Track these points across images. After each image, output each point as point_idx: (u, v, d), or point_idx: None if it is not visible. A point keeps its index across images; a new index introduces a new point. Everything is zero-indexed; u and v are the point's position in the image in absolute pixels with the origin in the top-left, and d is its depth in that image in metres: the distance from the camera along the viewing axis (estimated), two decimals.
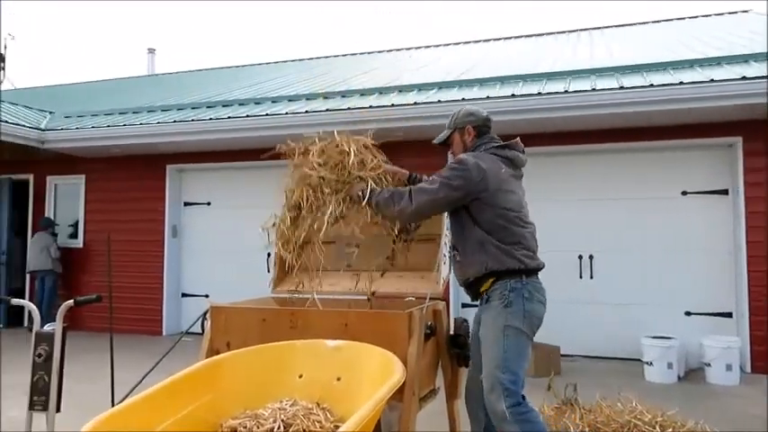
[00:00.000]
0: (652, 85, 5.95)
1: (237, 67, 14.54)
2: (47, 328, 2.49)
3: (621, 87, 6.06)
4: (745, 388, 5.53)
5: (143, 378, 3.09)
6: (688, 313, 6.62)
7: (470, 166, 2.71)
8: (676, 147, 6.72)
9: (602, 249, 6.98)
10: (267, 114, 7.49)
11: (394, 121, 6.77)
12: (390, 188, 2.94)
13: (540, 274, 2.77)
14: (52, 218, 9.41)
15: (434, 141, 3.12)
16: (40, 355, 2.43)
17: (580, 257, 7.00)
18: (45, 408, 2.41)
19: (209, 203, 8.86)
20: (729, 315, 6.49)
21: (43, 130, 8.46)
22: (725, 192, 6.59)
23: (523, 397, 2.60)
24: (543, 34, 12.37)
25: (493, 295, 2.69)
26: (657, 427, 3.21)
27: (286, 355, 2.81)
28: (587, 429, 3.20)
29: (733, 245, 6.49)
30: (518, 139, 2.97)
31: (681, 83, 5.88)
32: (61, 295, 8.91)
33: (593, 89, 6.18)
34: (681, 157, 6.76)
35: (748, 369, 6.13)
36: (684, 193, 6.71)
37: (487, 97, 6.53)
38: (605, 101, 6.07)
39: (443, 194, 2.71)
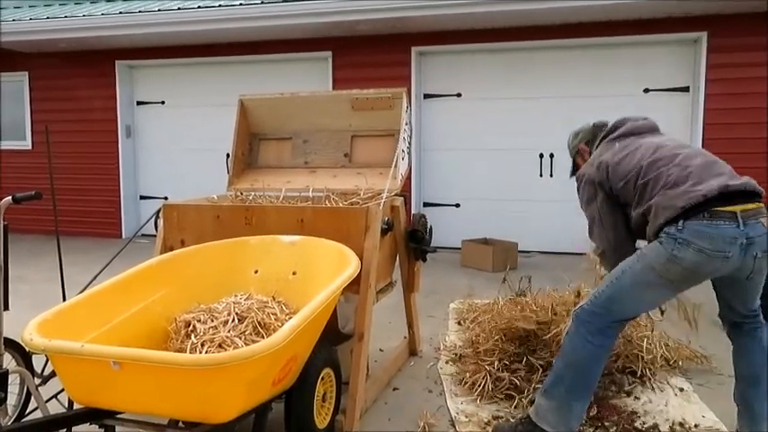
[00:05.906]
0: None
1: None
2: None
3: None
4: None
5: (95, 277, 3.04)
6: None
7: (583, 176, 2.65)
8: (640, 42, 6.61)
9: (563, 147, 6.97)
10: (220, 6, 7.01)
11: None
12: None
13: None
14: None
15: (570, 177, 3.01)
16: None
17: (541, 156, 7.03)
18: None
19: (163, 102, 8.49)
20: None
21: None
22: (686, 89, 6.59)
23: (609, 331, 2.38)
24: None
25: None
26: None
27: (240, 250, 2.79)
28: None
29: (690, 143, 6.59)
30: (623, 118, 2.88)
31: None
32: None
33: None
34: (644, 54, 6.67)
35: None
36: (647, 90, 6.69)
37: None
38: None
39: (593, 209, 2.57)
